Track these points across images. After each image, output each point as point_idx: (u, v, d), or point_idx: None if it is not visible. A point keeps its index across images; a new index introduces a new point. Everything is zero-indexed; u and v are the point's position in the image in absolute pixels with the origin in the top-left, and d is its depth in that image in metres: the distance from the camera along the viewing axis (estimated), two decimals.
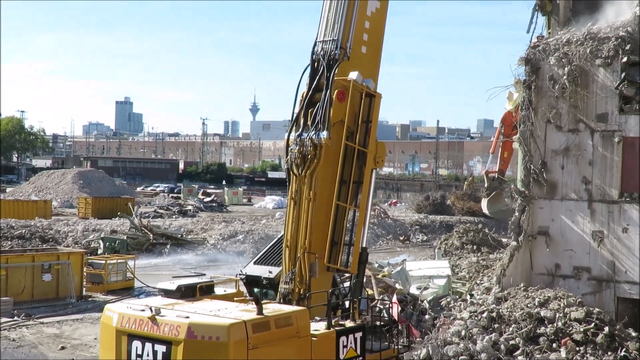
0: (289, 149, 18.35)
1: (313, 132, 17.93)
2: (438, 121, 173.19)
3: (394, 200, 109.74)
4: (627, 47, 29.56)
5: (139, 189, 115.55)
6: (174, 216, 73.93)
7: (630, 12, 30.85)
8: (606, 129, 30.04)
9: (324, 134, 17.80)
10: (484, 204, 38.79)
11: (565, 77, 30.45)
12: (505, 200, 40.22)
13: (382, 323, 19.42)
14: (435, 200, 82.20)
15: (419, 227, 68.66)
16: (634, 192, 29.54)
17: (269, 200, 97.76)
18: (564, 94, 30.49)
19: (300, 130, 18.26)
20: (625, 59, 29.51)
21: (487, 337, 25.50)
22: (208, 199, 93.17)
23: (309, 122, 18.12)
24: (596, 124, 30.20)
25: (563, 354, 24.80)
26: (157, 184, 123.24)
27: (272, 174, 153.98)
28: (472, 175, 52.51)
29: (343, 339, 16.31)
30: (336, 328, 16.29)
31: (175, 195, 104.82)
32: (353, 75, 18.16)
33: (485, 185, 38.58)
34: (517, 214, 31.51)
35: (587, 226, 30.24)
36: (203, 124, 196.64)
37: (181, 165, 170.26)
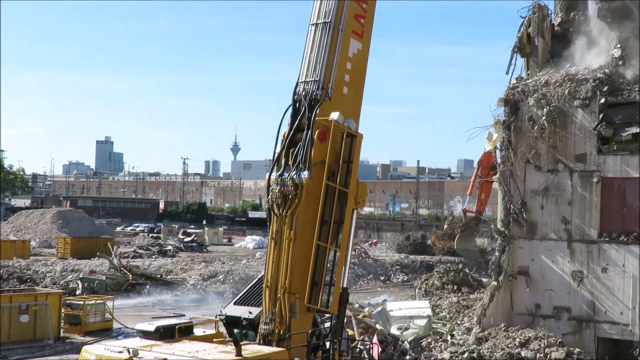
0: (270, 188, 18.32)
1: (294, 172, 17.92)
2: (418, 161, 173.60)
3: (375, 240, 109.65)
4: (605, 88, 29.88)
5: (118, 228, 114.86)
6: (153, 256, 73.42)
7: (607, 54, 31.26)
8: (585, 169, 30.24)
9: (305, 174, 17.79)
10: (456, 239, 39.05)
11: (544, 117, 30.71)
12: (475, 241, 40.40)
13: None
14: (416, 240, 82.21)
15: (400, 267, 68.54)
16: (613, 232, 29.68)
17: (250, 240, 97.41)
18: (543, 135, 30.72)
19: (281, 170, 18.25)
20: (603, 100, 29.83)
21: None
22: (188, 238, 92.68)
23: (290, 162, 18.12)
24: (575, 164, 30.40)
25: None
26: (137, 224, 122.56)
27: (252, 214, 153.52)
28: (453, 214, 52.67)
29: None
30: None
31: (155, 235, 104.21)
32: (334, 115, 18.20)
33: (462, 222, 38.75)
34: (497, 253, 31.54)
35: (566, 266, 30.29)
36: (184, 163, 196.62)
37: (161, 205, 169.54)
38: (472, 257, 42.38)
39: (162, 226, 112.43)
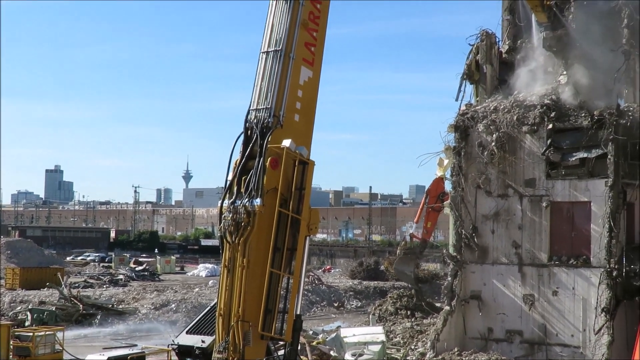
0: (223, 216, 18.27)
1: (246, 199, 17.91)
2: (371, 187, 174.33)
3: (328, 267, 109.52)
4: (552, 114, 30.42)
5: (68, 258, 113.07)
6: (104, 286, 72.44)
7: (554, 81, 31.82)
8: (534, 194, 30.67)
9: (257, 202, 17.79)
10: (395, 261, 39.38)
11: (493, 143, 31.12)
12: (412, 267, 40.71)
13: None
14: (369, 266, 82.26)
15: (353, 293, 68.49)
16: (563, 256, 30.09)
17: (202, 269, 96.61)
18: (493, 160, 31.12)
19: (233, 197, 18.22)
20: (550, 126, 30.35)
21: None
22: (140, 267, 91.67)
23: (243, 190, 18.11)
24: (524, 189, 30.82)
25: None
26: (87, 253, 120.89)
27: (205, 242, 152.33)
28: (405, 240, 52.94)
29: None
30: None
31: (106, 264, 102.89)
32: (286, 143, 18.26)
33: (398, 239, 39.29)
34: (449, 278, 31.78)
35: (518, 290, 30.60)
36: (135, 191, 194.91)
37: (112, 234, 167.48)
38: (406, 281, 42.75)
39: (113, 255, 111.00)
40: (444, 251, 33.84)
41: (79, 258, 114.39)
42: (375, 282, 74.95)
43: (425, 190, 40.87)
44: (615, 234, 28.96)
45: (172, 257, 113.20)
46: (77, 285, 66.49)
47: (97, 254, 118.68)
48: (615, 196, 29.07)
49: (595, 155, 29.67)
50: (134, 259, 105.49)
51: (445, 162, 34.32)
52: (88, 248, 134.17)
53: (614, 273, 28.70)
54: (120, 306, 55.90)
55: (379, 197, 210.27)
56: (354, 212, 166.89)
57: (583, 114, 30.10)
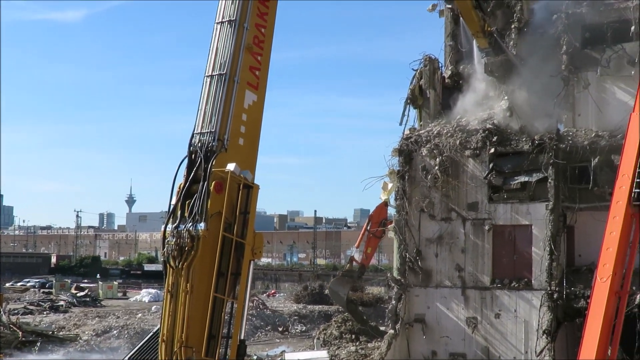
0: (166, 241, 18.07)
1: (190, 223, 17.76)
2: (315, 211, 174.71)
3: (273, 291, 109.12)
4: (494, 138, 30.84)
5: (8, 284, 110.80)
6: (45, 312, 71.08)
7: (495, 106, 32.28)
8: (477, 218, 31.00)
9: (201, 226, 17.65)
10: (332, 280, 39.45)
11: (437, 167, 31.42)
12: (346, 290, 40.84)
13: None
14: (314, 290, 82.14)
15: (298, 318, 68.29)
16: (505, 279, 30.41)
17: (145, 294, 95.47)
18: (436, 184, 31.41)
19: (177, 222, 18.05)
20: (492, 150, 30.75)
21: None
22: (81, 293, 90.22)
23: (187, 214, 17.95)
24: (467, 212, 31.13)
25: None
26: (27, 279, 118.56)
27: (148, 267, 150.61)
28: (350, 262, 53.06)
29: None
30: None
31: (46, 290, 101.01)
32: (231, 166, 18.18)
33: (342, 262, 39.38)
34: (394, 302, 31.87)
35: (461, 312, 30.82)
36: (77, 216, 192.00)
37: (53, 259, 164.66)
38: (338, 303, 42.91)
39: (54, 281, 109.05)
40: (388, 275, 33.95)
41: (19, 284, 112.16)
42: (320, 306, 74.83)
43: (369, 215, 41.10)
44: (555, 257, 29.36)
45: (115, 282, 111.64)
46: (16, 311, 65.14)
47: (37, 280, 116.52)
48: (556, 219, 29.51)
49: (536, 179, 30.12)
50: (75, 284, 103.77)
51: (390, 186, 34.52)
52: (28, 274, 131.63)
53: (555, 295, 29.07)
54: (61, 333, 54.90)
55: (324, 221, 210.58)
56: (299, 236, 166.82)
57: (524, 139, 30.56)
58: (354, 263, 40.27)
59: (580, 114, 30.83)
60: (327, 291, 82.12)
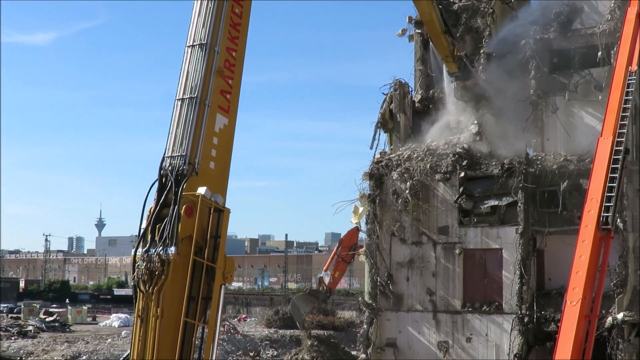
0: (136, 265, 17.91)
1: (161, 247, 17.61)
2: (287, 235, 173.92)
3: (244, 315, 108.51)
4: (464, 162, 30.98)
5: None
6: (13, 337, 70.11)
7: (465, 130, 32.47)
8: (447, 241, 31.06)
9: (172, 250, 17.50)
10: (297, 295, 39.34)
11: (407, 191, 31.47)
12: (308, 308, 40.77)
13: None
14: (285, 315, 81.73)
15: (269, 342, 67.96)
16: (476, 302, 30.44)
17: (115, 319, 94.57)
18: (407, 208, 31.45)
19: (147, 246, 17.89)
20: (462, 174, 30.88)
21: None
22: (50, 318, 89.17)
23: (157, 238, 17.80)
24: (438, 236, 31.18)
25: None
26: None
27: (118, 291, 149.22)
28: (321, 285, 52.88)
29: None
30: None
31: (15, 315, 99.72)
32: (201, 190, 18.08)
33: (314, 286, 39.34)
34: (365, 326, 31.77)
35: (432, 337, 30.78)
36: (46, 240, 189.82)
37: (22, 284, 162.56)
38: (296, 318, 42.77)
39: (22, 306, 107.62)
40: (360, 299, 33.86)
41: None
42: (292, 330, 74.47)
43: (339, 239, 41.08)
44: (526, 281, 29.46)
45: (84, 307, 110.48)
46: None
47: (5, 305, 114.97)
48: (526, 243, 29.64)
49: (506, 203, 30.26)
50: (44, 309, 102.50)
51: (361, 209, 34.52)
52: None
53: (526, 319, 29.14)
54: (30, 358, 54.14)
55: (295, 245, 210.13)
56: (270, 260, 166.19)
57: (493, 163, 30.73)
58: (322, 284, 40.22)
59: (549, 138, 31.07)
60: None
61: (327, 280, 39.95)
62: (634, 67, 23.05)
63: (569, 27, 31.15)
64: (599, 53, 29.83)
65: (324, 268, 40.79)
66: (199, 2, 19.63)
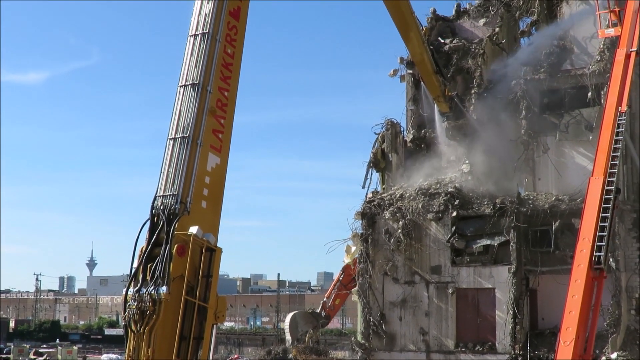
0: (127, 305, 17.79)
1: (152, 287, 17.50)
2: (279, 274, 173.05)
3: (236, 356, 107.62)
4: (456, 202, 31.00)
5: None
6: None
7: (457, 169, 32.55)
8: (440, 281, 30.97)
9: (163, 289, 17.40)
10: (298, 312, 39.01)
11: (400, 230, 31.44)
12: (306, 328, 40.48)
13: None
14: (277, 355, 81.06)
15: None
16: (469, 342, 30.28)
17: (106, 358, 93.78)
18: (400, 247, 31.40)
19: (139, 285, 17.79)
20: (454, 214, 30.87)
21: None
22: (40, 358, 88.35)
23: (149, 277, 17.71)
24: (431, 275, 31.11)
25: None
26: None
27: (109, 331, 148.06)
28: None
29: None
30: None
31: (4, 356, 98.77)
32: (193, 229, 18.02)
33: (317, 310, 39.10)
34: None
35: None
36: (37, 279, 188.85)
37: (12, 324, 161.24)
38: (291, 333, 42.46)
39: (12, 346, 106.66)
40: (352, 339, 33.66)
41: None
42: None
43: (341, 268, 40.89)
44: (519, 320, 29.35)
45: (74, 347, 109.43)
46: None
47: None
48: (518, 283, 29.58)
49: (498, 242, 30.25)
50: (34, 349, 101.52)
51: (353, 249, 34.46)
52: None
53: (519, 359, 28.97)
54: None
55: (287, 284, 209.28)
56: (262, 300, 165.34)
57: (485, 202, 30.75)
58: (323, 310, 40.09)
59: (541, 178, 31.15)
60: (290, 355, 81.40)
61: (326, 308, 39.82)
62: (624, 107, 23.19)
63: (559, 68, 31.41)
64: (589, 93, 30.04)
65: (325, 295, 40.65)
66: (192, 42, 19.76)
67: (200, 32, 19.76)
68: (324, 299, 41.86)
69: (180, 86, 19.49)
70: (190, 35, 19.92)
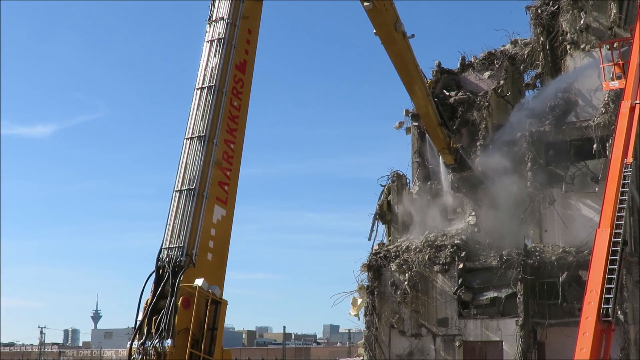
0: (132, 358, 17.69)
1: (157, 340, 17.42)
2: (284, 327, 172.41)
3: None
4: (463, 254, 30.92)
5: None
6: None
7: (463, 221, 32.50)
8: (447, 333, 30.75)
9: (168, 342, 17.31)
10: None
11: (406, 282, 31.33)
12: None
13: None
14: None
15: None
16: None
17: None
18: (406, 300, 31.25)
19: (143, 338, 17.70)
20: (461, 266, 30.78)
21: None
22: None
23: (153, 330, 17.62)
24: (437, 328, 30.90)
25: None
26: None
27: None
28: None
29: None
30: None
31: None
32: (199, 282, 17.99)
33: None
34: None
35: None
36: (41, 332, 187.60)
37: None
38: None
39: None
40: None
41: None
42: None
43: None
44: None
45: None
46: None
47: None
48: (526, 335, 29.33)
49: (506, 294, 30.07)
50: None
51: (359, 301, 34.25)
52: None
53: None
54: None
55: (293, 337, 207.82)
56: (268, 353, 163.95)
57: (492, 254, 30.66)
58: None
59: (547, 230, 31.06)
60: None
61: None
62: (629, 159, 23.22)
63: (564, 120, 31.51)
64: (595, 145, 30.10)
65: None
66: (198, 95, 19.95)
67: (207, 85, 19.97)
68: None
69: (187, 138, 19.61)
70: (197, 88, 20.12)
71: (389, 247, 33.16)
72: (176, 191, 19.18)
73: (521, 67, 34.03)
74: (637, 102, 24.48)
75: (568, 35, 31.71)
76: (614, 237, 21.57)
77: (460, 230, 32.28)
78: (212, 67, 20.12)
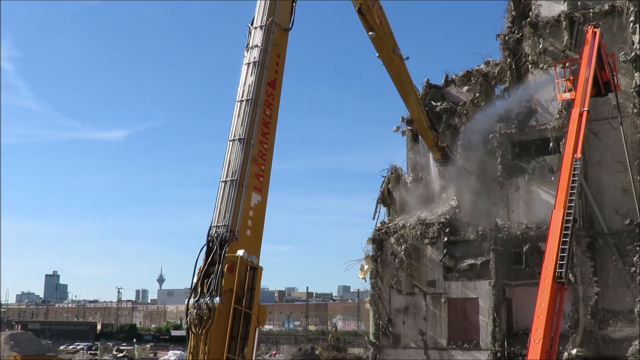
0: (189, 312, 17.79)
1: (208, 298, 17.51)
2: (307, 287, 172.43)
3: (274, 352, 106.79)
4: (447, 230, 30.84)
5: (62, 347, 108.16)
6: None
7: (448, 204, 32.40)
8: (435, 292, 30.72)
9: (217, 300, 17.39)
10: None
11: (402, 252, 31.30)
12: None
13: None
14: (307, 351, 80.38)
15: None
16: (458, 341, 29.91)
17: (172, 354, 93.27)
18: (402, 266, 31.24)
19: (198, 296, 17.79)
20: (446, 239, 30.71)
21: None
22: (121, 354, 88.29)
23: (205, 290, 17.72)
24: (427, 288, 30.87)
25: None
26: (77, 343, 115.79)
27: (174, 333, 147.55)
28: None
29: None
30: None
31: (93, 352, 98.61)
32: (240, 252, 18.04)
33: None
34: None
35: None
36: (118, 292, 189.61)
37: (99, 327, 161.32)
38: None
39: (99, 345, 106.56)
40: (366, 338, 33.36)
41: (71, 347, 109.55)
42: None
43: None
44: (498, 323, 28.97)
45: (147, 345, 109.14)
46: None
47: (85, 344, 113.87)
48: (497, 294, 29.25)
49: (481, 261, 30.00)
50: (116, 347, 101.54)
51: (366, 267, 34.29)
52: (78, 339, 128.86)
53: (499, 354, 28.56)
54: None
55: (314, 295, 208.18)
56: (294, 308, 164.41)
57: (470, 230, 30.58)
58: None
59: (513, 211, 30.93)
60: (317, 351, 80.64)
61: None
62: (578, 154, 23.06)
63: (526, 124, 31.33)
64: (551, 144, 29.91)
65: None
66: (239, 106, 19.95)
67: (245, 98, 19.96)
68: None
69: (230, 140, 19.63)
70: (238, 101, 20.11)
71: (389, 224, 33.13)
72: (222, 182, 19.22)
73: (492, 83, 33.82)
74: (584, 109, 24.28)
75: (530, 57, 31.48)
76: (567, 216, 21.44)
77: (445, 211, 32.20)
78: (249, 84, 20.12)
